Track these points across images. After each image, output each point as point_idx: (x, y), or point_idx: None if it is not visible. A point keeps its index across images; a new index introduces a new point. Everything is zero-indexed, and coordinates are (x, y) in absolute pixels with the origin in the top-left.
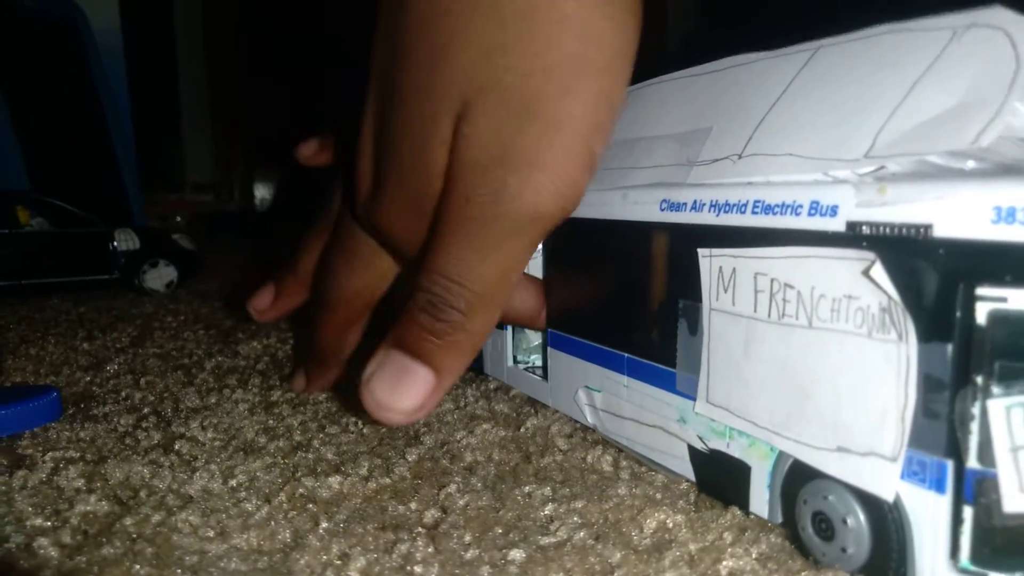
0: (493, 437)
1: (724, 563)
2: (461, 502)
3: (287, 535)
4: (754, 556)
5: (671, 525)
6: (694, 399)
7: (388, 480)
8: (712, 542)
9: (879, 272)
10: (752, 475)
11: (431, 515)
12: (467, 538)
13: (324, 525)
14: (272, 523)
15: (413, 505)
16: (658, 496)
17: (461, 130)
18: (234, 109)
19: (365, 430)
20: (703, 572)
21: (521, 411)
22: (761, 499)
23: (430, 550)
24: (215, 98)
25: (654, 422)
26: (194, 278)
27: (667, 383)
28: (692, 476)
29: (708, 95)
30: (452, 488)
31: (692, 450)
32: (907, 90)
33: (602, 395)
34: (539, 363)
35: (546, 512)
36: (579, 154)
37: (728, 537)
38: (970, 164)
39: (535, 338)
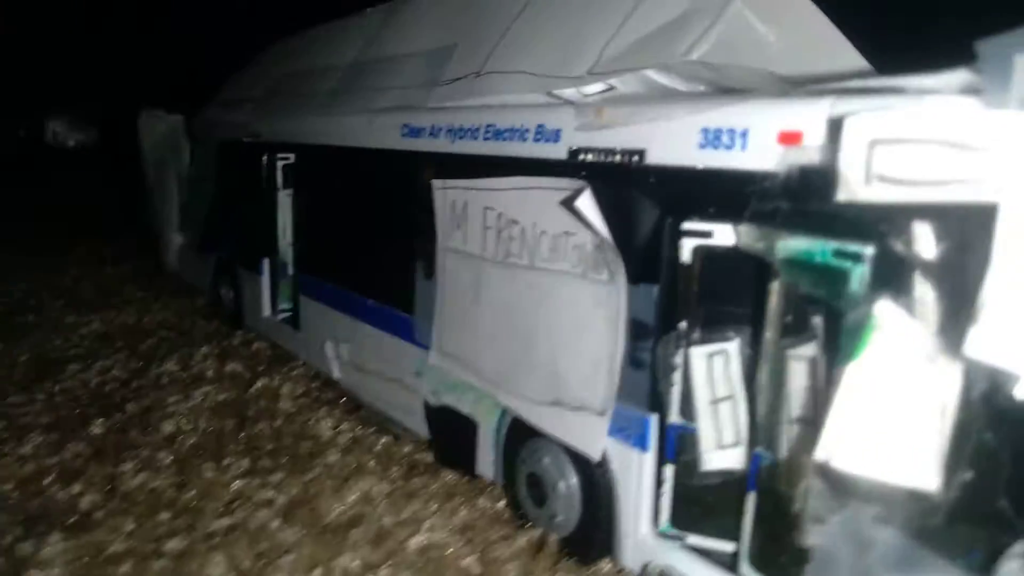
0: (210, 401)
1: (416, 538)
2: (135, 482)
3: None
4: (454, 526)
5: (375, 495)
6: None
7: (57, 458)
8: (413, 513)
9: (585, 203)
10: (480, 433)
11: (90, 500)
12: (127, 526)
13: None
14: None
15: (77, 488)
16: (372, 464)
17: None
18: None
19: (58, 398)
20: (389, 550)
21: (256, 370)
22: (487, 459)
23: (62, 546)
24: None
25: (394, 375)
26: None
27: (407, 332)
28: (428, 434)
29: (458, 9)
30: (129, 465)
31: (427, 405)
32: (636, 2)
33: (348, 346)
34: None
35: (235, 488)
36: None
37: (433, 506)
38: (691, 84)
39: None
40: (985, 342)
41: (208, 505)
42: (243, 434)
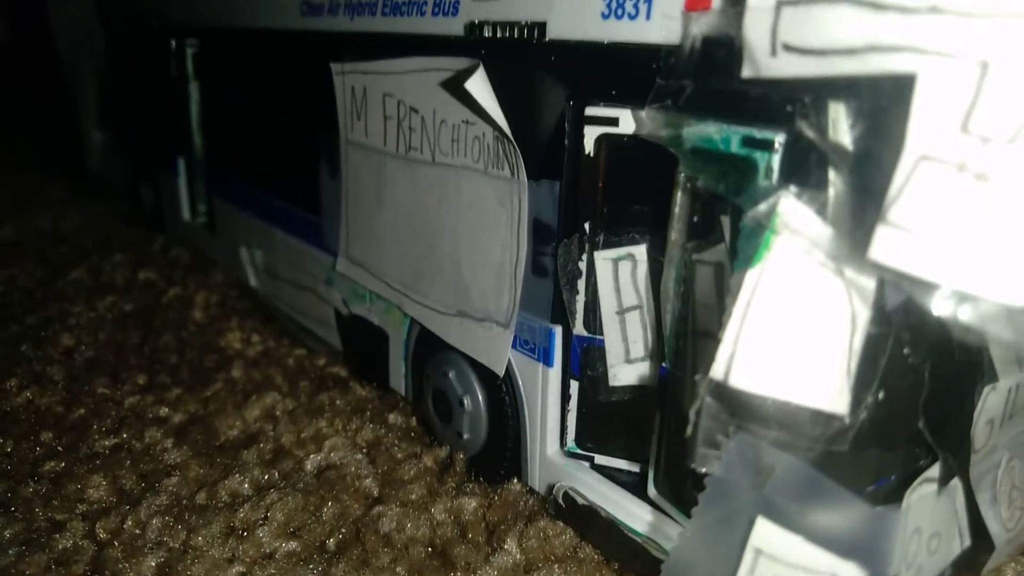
0: (116, 312)
1: (315, 457)
2: (19, 400)
3: None
4: (358, 444)
5: (278, 412)
6: None
7: None
8: (316, 431)
9: (477, 85)
10: (390, 344)
11: None
12: (5, 447)
13: None
14: None
15: None
16: (279, 379)
17: None
18: None
19: None
20: (284, 471)
21: (171, 278)
22: (398, 372)
23: None
24: None
25: (306, 283)
26: None
27: (316, 237)
28: (340, 346)
29: None
30: (15, 381)
31: (338, 316)
32: None
33: (261, 252)
34: None
35: (128, 405)
36: None
37: (338, 424)
38: None
39: None
40: (894, 244)
41: (95, 424)
42: (146, 347)
